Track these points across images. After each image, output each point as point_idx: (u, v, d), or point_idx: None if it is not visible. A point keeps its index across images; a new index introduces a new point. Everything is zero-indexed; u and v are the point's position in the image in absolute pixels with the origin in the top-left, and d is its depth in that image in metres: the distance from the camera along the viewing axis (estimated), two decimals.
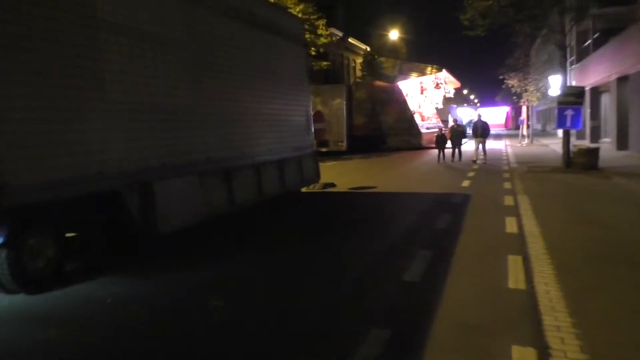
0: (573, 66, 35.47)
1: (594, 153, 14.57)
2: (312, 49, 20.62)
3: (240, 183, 8.04)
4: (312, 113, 11.65)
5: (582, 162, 14.58)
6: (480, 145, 19.02)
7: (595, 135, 31.35)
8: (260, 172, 8.72)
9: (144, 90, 6.06)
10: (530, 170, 15.13)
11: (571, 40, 36.18)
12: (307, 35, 20.15)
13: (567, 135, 15.06)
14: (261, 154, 8.79)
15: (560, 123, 14.89)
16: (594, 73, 24.91)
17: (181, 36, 6.80)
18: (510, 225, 7.52)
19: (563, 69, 15.25)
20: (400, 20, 42.74)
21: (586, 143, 27.26)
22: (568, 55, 39.02)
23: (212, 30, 7.59)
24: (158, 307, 4.68)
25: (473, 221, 8.02)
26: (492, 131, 69.83)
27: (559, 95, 14.85)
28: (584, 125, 33.16)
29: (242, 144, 8.27)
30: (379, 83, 29.15)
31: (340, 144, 28.48)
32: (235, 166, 7.96)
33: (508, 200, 9.93)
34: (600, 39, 26.69)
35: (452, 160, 19.14)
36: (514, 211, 8.68)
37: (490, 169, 16.60)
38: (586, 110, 29.65)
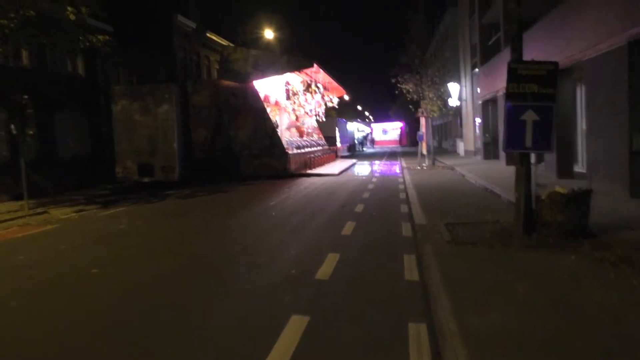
0: (476, 70, 29.54)
1: (581, 203, 6.89)
2: (69, 8, 11.31)
3: None
4: None
5: (561, 221, 6.83)
6: None
7: (490, 154, 25.05)
8: None
9: None
10: (457, 240, 7.07)
11: (473, 37, 30.37)
12: None
13: (527, 165, 7.26)
14: None
15: (513, 139, 7.07)
16: None
17: None
18: None
19: (517, 27, 7.37)
20: (276, 19, 34.89)
21: (478, 162, 18.79)
22: (469, 57, 33.34)
23: None
24: None
25: None
26: (388, 148, 64.18)
27: (508, 81, 7.10)
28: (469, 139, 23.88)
29: None
30: (226, 83, 20.34)
31: (170, 171, 19.24)
32: None
33: None
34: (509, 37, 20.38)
35: None
36: None
37: (376, 236, 8.42)
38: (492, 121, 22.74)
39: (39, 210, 12.50)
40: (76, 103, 19.07)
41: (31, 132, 12.23)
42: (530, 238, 6.94)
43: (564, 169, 14.34)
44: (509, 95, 7.17)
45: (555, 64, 7.08)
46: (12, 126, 12.16)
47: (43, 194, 14.87)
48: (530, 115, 7.02)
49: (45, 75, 16.96)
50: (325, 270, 5.91)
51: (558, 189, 7.01)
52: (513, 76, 7.13)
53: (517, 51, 7.34)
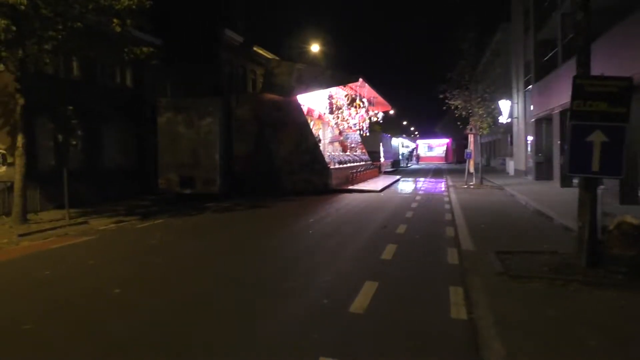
0: (529, 87, 28.30)
1: None
2: (115, 20, 11.40)
3: None
4: None
5: (633, 256, 6.02)
6: None
7: (542, 174, 23.65)
8: None
9: None
10: (509, 273, 6.35)
11: (527, 54, 29.15)
12: None
13: (592, 191, 6.50)
14: None
15: (577, 162, 6.35)
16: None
17: None
18: None
19: (585, 39, 6.62)
20: (323, 33, 34.85)
21: (529, 182, 18.39)
22: (522, 74, 32.05)
23: None
24: None
25: None
26: (433, 165, 63.16)
27: (573, 98, 6.39)
28: (522, 159, 22.85)
29: None
30: (269, 96, 20.21)
31: (211, 184, 19.18)
32: None
33: None
34: (566, 53, 19.44)
35: None
36: None
37: (419, 263, 7.81)
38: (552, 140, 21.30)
39: (80, 220, 12.56)
40: (122, 114, 19.37)
41: (74, 142, 12.32)
42: (594, 273, 6.14)
43: (627, 194, 13.17)
44: (573, 114, 6.45)
45: (629, 79, 6.33)
46: (59, 136, 12.31)
47: (86, 203, 15.03)
48: (598, 136, 6.27)
49: (92, 87, 17.31)
50: (361, 301, 5.36)
51: (629, 219, 6.20)
52: (579, 92, 6.41)
53: (584, 66, 6.61)
